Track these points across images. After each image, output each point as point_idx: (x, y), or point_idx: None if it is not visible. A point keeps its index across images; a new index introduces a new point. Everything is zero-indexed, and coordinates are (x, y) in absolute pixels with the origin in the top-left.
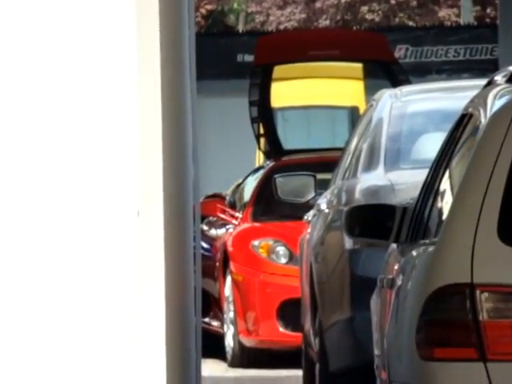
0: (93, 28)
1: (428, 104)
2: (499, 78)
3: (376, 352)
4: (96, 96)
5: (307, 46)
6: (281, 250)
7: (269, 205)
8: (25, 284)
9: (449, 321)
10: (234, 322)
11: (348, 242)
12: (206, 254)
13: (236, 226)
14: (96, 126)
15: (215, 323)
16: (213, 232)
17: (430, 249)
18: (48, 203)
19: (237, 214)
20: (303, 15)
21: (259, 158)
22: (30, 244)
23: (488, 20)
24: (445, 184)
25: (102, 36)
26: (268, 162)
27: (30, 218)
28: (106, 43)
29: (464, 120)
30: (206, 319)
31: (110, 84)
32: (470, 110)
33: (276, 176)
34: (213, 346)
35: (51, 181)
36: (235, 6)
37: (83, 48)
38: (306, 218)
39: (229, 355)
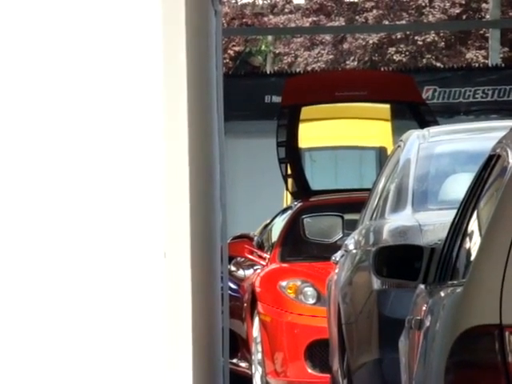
0: (121, 70)
1: (456, 145)
2: None
3: None
4: (124, 137)
5: (334, 86)
6: (308, 290)
7: (296, 245)
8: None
9: (477, 362)
10: (262, 363)
11: (376, 283)
12: (234, 294)
13: (264, 266)
14: (125, 167)
15: (243, 364)
16: (240, 273)
17: (458, 290)
18: (79, 245)
19: (264, 255)
20: (331, 56)
21: (287, 199)
22: (60, 286)
23: None
24: (473, 225)
25: (130, 75)
26: (296, 203)
27: (59, 261)
28: (134, 86)
29: (492, 161)
30: (234, 360)
31: (138, 126)
32: (498, 150)
33: (304, 216)
34: None
35: (81, 219)
36: (263, 47)
37: (109, 89)
38: (333, 258)
39: None
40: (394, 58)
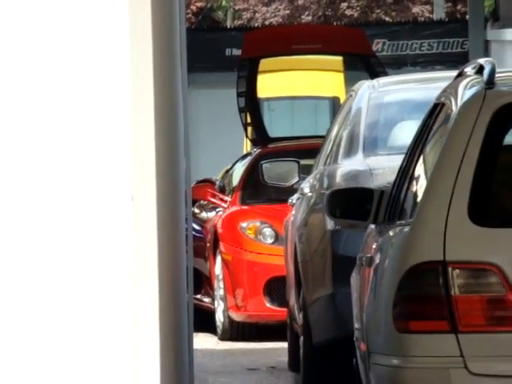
0: (85, 22)
1: (403, 94)
2: (469, 69)
3: (356, 325)
4: (89, 87)
5: (291, 40)
6: (267, 231)
7: (256, 189)
8: (16, 265)
9: (423, 296)
10: (224, 299)
11: (329, 224)
12: (198, 235)
13: (225, 209)
14: (90, 115)
15: (206, 300)
16: (203, 215)
17: (406, 229)
18: (41, 190)
19: (226, 198)
20: (287, 11)
21: (247, 146)
22: (23, 232)
23: (458, 15)
24: (419, 169)
25: (95, 31)
26: (255, 149)
27: (23, 206)
28: (99, 38)
29: (436, 109)
30: (198, 296)
31: (104, 76)
32: (442, 99)
33: (262, 162)
34: (204, 321)
35: (43, 168)
36: (224, 3)
37: (75, 41)
38: (290, 201)
39: (219, 329)
40: (346, 12)
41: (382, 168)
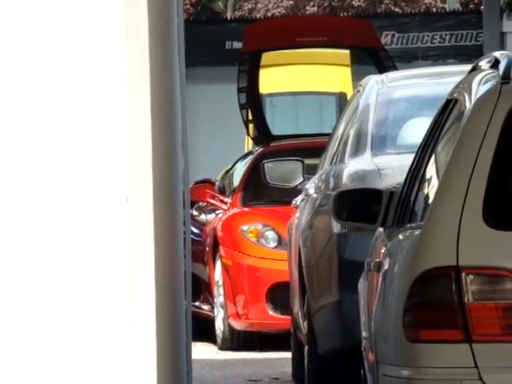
0: (80, 15)
1: (414, 90)
2: (483, 63)
3: (363, 334)
4: (85, 83)
5: (295, 32)
6: (270, 234)
7: (258, 190)
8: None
9: (435, 303)
10: (224, 306)
11: (336, 226)
12: (196, 238)
13: (225, 211)
14: (85, 113)
15: (205, 307)
16: (202, 217)
17: (416, 232)
18: (36, 192)
19: (226, 200)
20: (291, 2)
21: (248, 144)
22: (18, 234)
23: (472, 6)
24: (430, 169)
25: (91, 24)
26: (257, 148)
27: (18, 207)
28: (94, 31)
29: (449, 105)
30: (197, 303)
31: (99, 72)
32: (455, 95)
33: (264, 161)
34: (203, 329)
35: (40, 169)
36: None
37: (71, 36)
38: (294, 202)
39: (219, 338)
40: (353, 3)
41: (392, 168)
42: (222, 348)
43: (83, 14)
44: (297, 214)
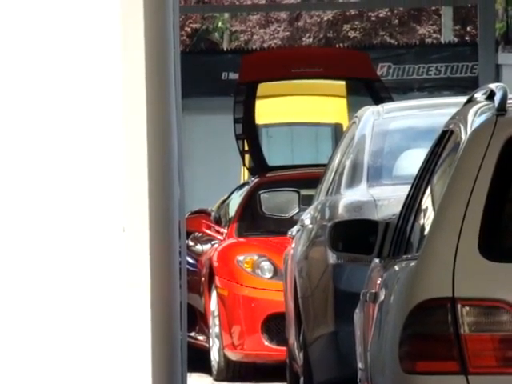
0: (78, 43)
1: (410, 121)
2: (479, 95)
3: (359, 365)
4: (81, 113)
5: (291, 63)
6: (265, 265)
7: (253, 220)
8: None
9: (431, 334)
10: (220, 337)
11: (331, 257)
12: (192, 269)
13: (221, 241)
14: (82, 142)
15: (201, 337)
16: (198, 247)
17: (412, 263)
18: (34, 220)
19: (222, 230)
20: (287, 33)
21: (244, 175)
22: (16, 261)
23: (468, 38)
24: (426, 200)
25: (86, 54)
26: (253, 179)
27: (16, 233)
28: (91, 66)
29: (445, 136)
30: (192, 334)
31: (95, 103)
32: (451, 126)
33: (260, 192)
34: (198, 360)
35: (37, 198)
36: (220, 24)
37: (68, 64)
38: (290, 233)
39: (214, 369)
40: (349, 34)
41: (387, 199)
42: (218, 379)
43: (80, 47)
44: (292, 245)
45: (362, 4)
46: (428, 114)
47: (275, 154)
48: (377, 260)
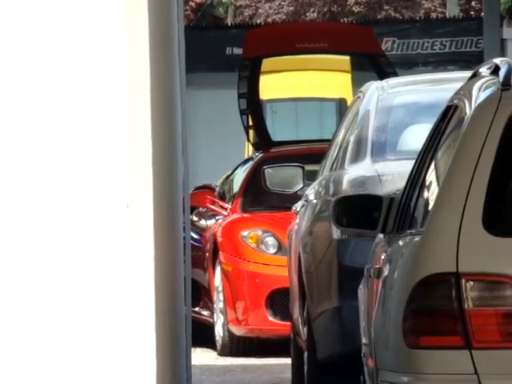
0: (82, 22)
1: (414, 96)
2: (484, 70)
3: (363, 340)
4: (85, 90)
5: (295, 38)
6: (269, 240)
7: (258, 196)
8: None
9: (434, 309)
10: (224, 312)
11: (335, 232)
12: (196, 244)
13: (225, 216)
14: (86, 120)
15: (205, 313)
16: (202, 223)
17: (416, 239)
18: (38, 197)
19: (226, 205)
20: (291, 8)
21: (248, 150)
22: (20, 237)
23: (473, 13)
24: (430, 175)
25: (92, 30)
26: (257, 154)
27: (18, 213)
28: (95, 37)
29: (449, 111)
30: (196, 309)
31: (99, 78)
32: (456, 101)
33: (265, 167)
34: (203, 335)
35: (41, 175)
36: None
37: (72, 42)
38: (294, 208)
39: (218, 344)
40: (354, 9)
41: (392, 174)
42: (222, 354)
43: (84, 19)
44: (297, 220)
45: None
46: (432, 88)
47: (279, 130)
48: (381, 235)
